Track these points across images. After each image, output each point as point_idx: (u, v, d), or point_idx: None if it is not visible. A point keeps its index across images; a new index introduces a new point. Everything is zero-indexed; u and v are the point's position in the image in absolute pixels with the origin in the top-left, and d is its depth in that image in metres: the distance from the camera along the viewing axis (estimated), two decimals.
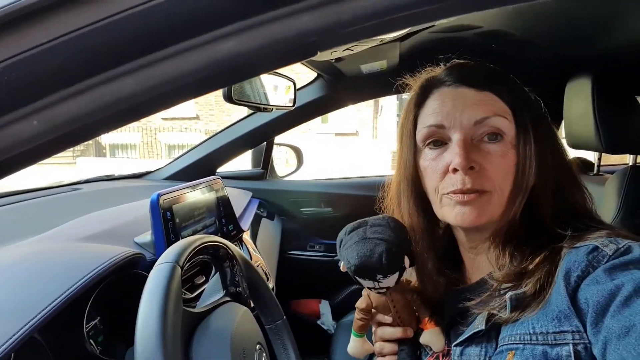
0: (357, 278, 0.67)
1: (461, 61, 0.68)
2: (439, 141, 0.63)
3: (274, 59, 0.33)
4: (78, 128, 0.30)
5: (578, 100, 1.18)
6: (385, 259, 0.63)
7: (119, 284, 0.81)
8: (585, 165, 1.49)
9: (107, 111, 0.30)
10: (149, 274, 0.60)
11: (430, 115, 0.64)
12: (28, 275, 0.69)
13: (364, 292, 0.74)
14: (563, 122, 1.28)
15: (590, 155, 1.52)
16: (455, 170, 0.59)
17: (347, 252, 0.66)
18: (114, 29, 0.27)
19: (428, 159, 0.64)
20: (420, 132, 0.65)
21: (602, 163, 1.44)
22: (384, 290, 0.68)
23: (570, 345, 0.49)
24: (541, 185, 0.61)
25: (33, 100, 0.27)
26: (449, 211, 0.62)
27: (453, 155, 0.60)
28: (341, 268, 0.69)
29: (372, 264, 0.64)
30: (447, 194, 0.61)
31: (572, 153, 1.35)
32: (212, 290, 0.79)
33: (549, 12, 1.07)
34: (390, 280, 0.66)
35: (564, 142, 1.22)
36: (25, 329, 0.56)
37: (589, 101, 1.13)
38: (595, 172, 1.44)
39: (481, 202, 0.60)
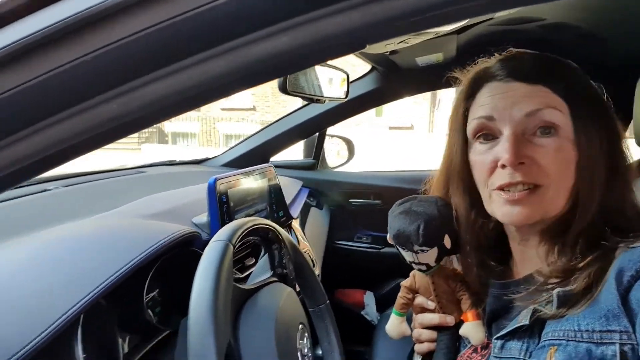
0: (398, 247, 0.70)
1: (516, 51, 0.66)
2: (489, 135, 0.62)
3: (324, 52, 0.36)
4: (153, 110, 0.34)
5: None
6: (423, 229, 0.66)
7: (176, 259, 0.87)
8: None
9: (181, 95, 0.34)
10: (203, 252, 0.65)
11: (480, 107, 0.63)
12: (97, 247, 0.75)
13: (411, 273, 0.76)
14: (633, 120, 1.21)
15: None
16: (503, 166, 0.58)
17: (392, 220, 0.70)
18: (189, 23, 0.31)
19: (478, 152, 0.64)
20: (470, 125, 0.64)
21: None
22: (424, 267, 0.70)
23: (617, 345, 0.48)
24: (594, 183, 0.59)
25: (117, 85, 0.31)
26: (498, 208, 0.61)
27: (502, 150, 0.59)
28: (388, 239, 0.72)
29: (409, 232, 0.67)
30: (496, 189, 0.61)
31: None
32: (260, 270, 0.84)
33: (621, 4, 1.02)
34: (429, 256, 0.68)
35: (631, 142, 1.15)
36: (93, 293, 0.61)
37: None
38: None
39: (533, 199, 0.58)
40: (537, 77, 0.60)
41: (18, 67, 0.32)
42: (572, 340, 0.51)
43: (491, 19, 1.18)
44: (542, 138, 0.59)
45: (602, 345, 0.49)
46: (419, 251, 0.68)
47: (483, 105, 0.62)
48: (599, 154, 0.58)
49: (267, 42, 0.31)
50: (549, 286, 0.58)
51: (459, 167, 0.67)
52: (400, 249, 0.70)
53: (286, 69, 0.35)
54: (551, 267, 0.59)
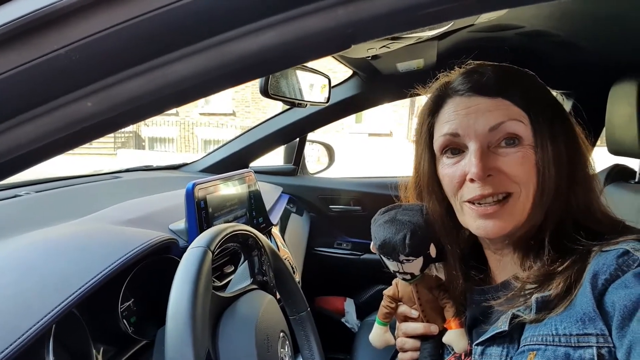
0: (382, 257, 0.69)
1: (476, 64, 0.67)
2: (456, 149, 0.63)
3: (310, 50, 0.35)
4: (130, 109, 0.32)
5: (622, 105, 1.14)
6: (409, 239, 0.65)
7: (153, 267, 0.84)
8: (627, 173, 1.43)
9: (159, 94, 0.32)
10: (181, 259, 0.63)
11: (445, 124, 0.64)
12: (70, 254, 0.73)
13: (394, 281, 0.75)
14: (605, 127, 1.24)
15: (631, 162, 1.46)
16: (472, 180, 0.60)
17: (376, 229, 0.69)
18: (162, 20, 0.29)
19: (446, 167, 0.65)
20: (437, 142, 0.65)
21: None
22: (409, 277, 0.69)
23: (594, 348, 0.48)
24: (559, 186, 0.60)
25: (90, 82, 0.29)
26: (471, 222, 0.62)
27: (469, 164, 0.60)
28: (371, 247, 0.71)
29: (395, 242, 0.66)
30: (467, 201, 0.62)
31: (614, 160, 1.31)
32: (240, 277, 0.82)
33: (597, 13, 1.04)
34: (414, 266, 0.68)
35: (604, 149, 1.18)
36: (66, 303, 0.59)
37: (634, 107, 1.09)
38: (637, 180, 1.38)
39: (504, 210, 0.60)
40: (497, 90, 0.61)
41: None
42: (550, 345, 0.52)
43: (472, 25, 1.20)
44: (506, 148, 0.60)
45: (579, 348, 0.49)
46: (404, 261, 0.67)
47: (448, 121, 0.63)
48: (559, 157, 0.59)
49: (253, 38, 0.30)
50: (527, 291, 0.58)
51: (428, 181, 0.69)
52: (384, 258, 0.69)
53: (271, 66, 0.34)
54: (527, 272, 0.60)
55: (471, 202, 0.61)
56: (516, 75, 0.64)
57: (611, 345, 0.48)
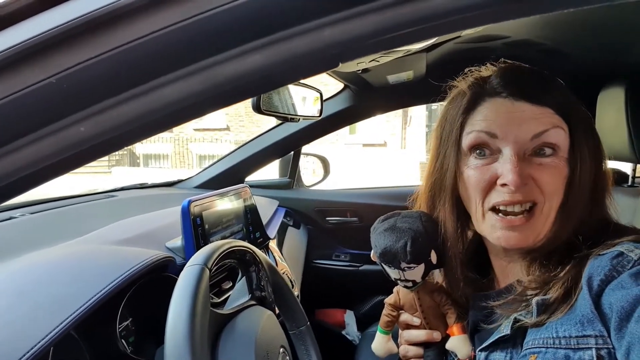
0: (383, 265, 0.69)
1: (512, 65, 0.65)
2: (486, 151, 0.61)
3: (298, 70, 0.35)
4: (123, 133, 0.33)
5: (611, 110, 1.16)
6: (410, 246, 0.65)
7: (150, 286, 0.84)
8: (620, 176, 1.45)
9: (151, 117, 0.33)
10: (178, 277, 0.63)
11: (481, 121, 0.61)
12: (66, 275, 0.73)
13: (395, 289, 0.75)
14: None
15: (622, 166, 1.48)
16: (504, 184, 0.58)
17: (376, 238, 0.69)
18: (151, 46, 0.30)
19: (472, 166, 0.62)
20: (468, 137, 0.62)
21: (637, 175, 1.39)
22: (410, 284, 0.69)
23: (593, 349, 0.49)
24: (583, 201, 0.59)
25: (88, 105, 0.30)
26: (492, 230, 0.61)
27: (505, 170, 0.57)
28: (371, 256, 0.71)
29: (396, 250, 0.66)
30: (492, 209, 0.60)
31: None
32: (238, 294, 0.82)
33: (581, 21, 1.06)
34: (416, 273, 0.68)
35: None
36: (63, 325, 0.59)
37: (623, 111, 1.11)
38: (629, 183, 1.40)
39: (529, 224, 0.58)
40: (542, 98, 0.59)
41: None
42: (551, 347, 0.52)
43: (459, 37, 1.22)
44: (541, 158, 0.58)
45: (579, 350, 0.50)
46: (406, 268, 0.67)
47: (486, 120, 0.60)
48: (589, 172, 0.59)
49: (241, 60, 0.31)
50: (528, 296, 0.58)
51: (448, 181, 0.65)
52: (385, 266, 0.69)
53: (260, 88, 0.35)
54: (530, 277, 0.60)
55: (497, 210, 0.59)
56: (554, 83, 0.62)
57: (610, 346, 0.48)
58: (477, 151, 0.61)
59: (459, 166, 0.64)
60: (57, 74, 0.30)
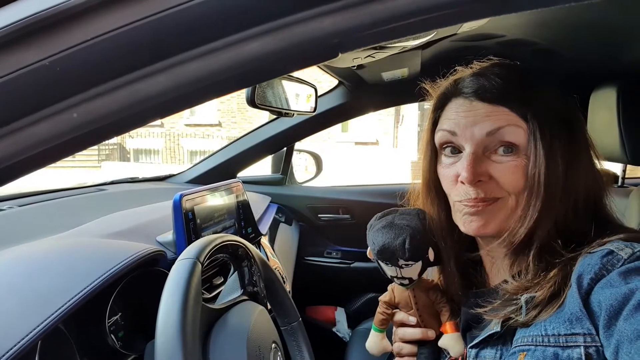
0: (380, 263, 0.69)
1: (490, 63, 0.66)
2: (455, 149, 0.64)
3: (297, 60, 0.35)
4: (111, 122, 0.32)
5: (603, 111, 1.17)
6: (409, 243, 0.65)
7: (140, 280, 0.83)
8: (610, 177, 1.46)
9: (138, 107, 0.32)
10: (169, 272, 0.62)
11: (446, 120, 0.65)
12: (55, 268, 0.71)
13: (389, 287, 0.75)
14: None
15: (612, 166, 1.50)
16: (463, 182, 0.60)
17: (373, 235, 0.69)
18: (150, 29, 0.29)
19: (444, 165, 0.66)
20: (437, 135, 0.66)
21: (627, 175, 1.41)
22: (407, 282, 0.69)
23: (582, 347, 0.49)
24: (552, 199, 0.59)
25: (74, 93, 0.29)
26: (459, 218, 0.64)
27: (461, 167, 0.61)
28: (367, 254, 0.71)
29: (394, 247, 0.66)
30: (459, 201, 0.63)
31: None
32: (230, 289, 0.81)
33: (575, 22, 1.07)
34: (413, 270, 0.67)
35: None
36: (52, 318, 0.58)
37: (614, 112, 1.11)
38: (619, 184, 1.41)
39: (490, 210, 0.60)
40: (499, 98, 0.61)
41: None
42: (540, 345, 0.53)
43: (454, 35, 1.22)
44: (501, 156, 0.60)
45: (568, 348, 0.50)
46: (403, 266, 0.67)
47: (448, 119, 0.64)
48: (553, 170, 0.58)
49: (238, 48, 0.30)
50: (517, 297, 0.59)
51: (429, 177, 0.69)
52: (382, 264, 0.69)
53: (258, 76, 0.34)
54: (516, 280, 0.60)
55: (459, 202, 0.62)
56: (524, 83, 0.62)
57: (599, 344, 0.48)
58: (447, 149, 0.65)
59: (436, 164, 0.68)
60: (50, 56, 0.29)
